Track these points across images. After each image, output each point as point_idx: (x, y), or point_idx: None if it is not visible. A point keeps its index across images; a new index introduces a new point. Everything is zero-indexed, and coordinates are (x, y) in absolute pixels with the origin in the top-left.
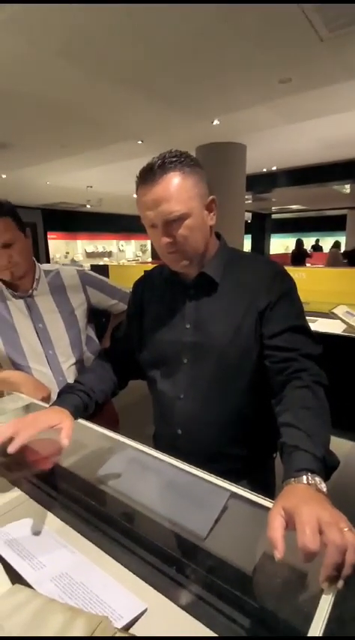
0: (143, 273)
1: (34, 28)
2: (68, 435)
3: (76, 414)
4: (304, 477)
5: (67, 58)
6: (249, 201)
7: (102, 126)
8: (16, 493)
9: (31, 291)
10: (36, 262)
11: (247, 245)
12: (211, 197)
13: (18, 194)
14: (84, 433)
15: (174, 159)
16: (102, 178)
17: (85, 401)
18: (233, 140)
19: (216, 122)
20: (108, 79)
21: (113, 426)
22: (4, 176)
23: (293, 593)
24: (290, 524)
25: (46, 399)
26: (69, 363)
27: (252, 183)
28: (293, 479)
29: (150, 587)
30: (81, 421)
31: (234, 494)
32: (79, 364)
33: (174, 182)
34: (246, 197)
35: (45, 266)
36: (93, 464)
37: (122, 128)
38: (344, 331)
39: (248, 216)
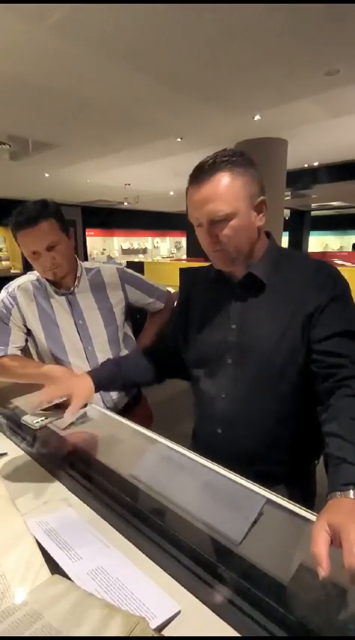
0: (179, 271)
1: (78, 28)
2: (71, 412)
3: (100, 385)
4: (351, 492)
5: (108, 57)
6: (288, 198)
7: (142, 124)
8: (54, 484)
9: (72, 289)
10: (78, 260)
11: (285, 242)
12: (261, 198)
13: (59, 192)
14: (121, 430)
15: (226, 158)
16: (140, 176)
17: (113, 374)
18: (274, 135)
19: (257, 117)
20: (149, 76)
21: (147, 422)
22: (47, 175)
23: (332, 609)
24: (334, 541)
25: None
26: (106, 358)
27: (292, 180)
28: (339, 492)
29: (184, 589)
30: (117, 417)
31: (270, 501)
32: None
33: (223, 182)
34: (285, 193)
35: (86, 264)
36: (130, 460)
37: (162, 126)
38: None
39: (286, 212)
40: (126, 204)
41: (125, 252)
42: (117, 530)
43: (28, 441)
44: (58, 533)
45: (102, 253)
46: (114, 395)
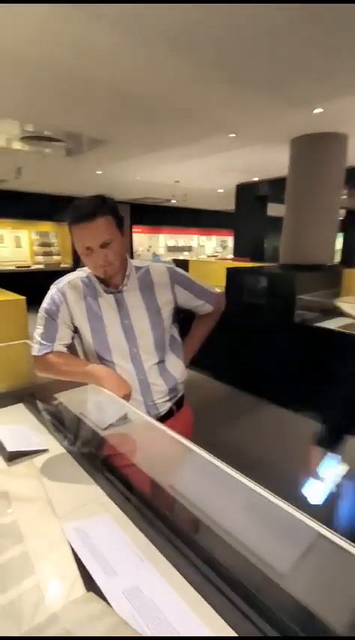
0: (226, 270)
1: (132, 23)
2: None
3: None
4: None
5: (161, 49)
6: (344, 197)
7: (194, 119)
8: (93, 487)
9: (121, 287)
10: (128, 258)
11: (338, 244)
12: None
13: (110, 189)
14: (162, 438)
15: None
16: (189, 173)
17: None
18: (333, 130)
19: (317, 110)
20: (205, 69)
21: (188, 428)
22: (99, 172)
23: None
24: None
25: (127, 397)
26: (151, 362)
27: (350, 177)
28: None
29: (220, 619)
30: (158, 425)
31: (322, 536)
32: (161, 364)
33: None
34: (343, 192)
35: (135, 262)
36: (169, 471)
37: (216, 121)
38: None
39: (341, 213)
40: (173, 201)
41: (170, 249)
42: (152, 543)
43: (69, 439)
44: (93, 541)
45: (148, 250)
46: (157, 399)
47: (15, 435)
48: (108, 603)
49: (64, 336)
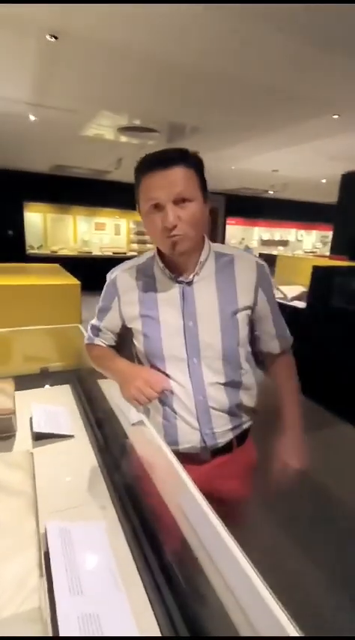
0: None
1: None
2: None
3: None
4: None
5: (251, 18)
6: None
7: (293, 100)
8: (101, 486)
9: (191, 276)
10: (207, 240)
11: None
12: None
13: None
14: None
15: None
16: (288, 161)
17: None
18: None
19: None
20: (299, 39)
21: (245, 472)
22: None
23: None
24: None
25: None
26: (215, 380)
27: None
28: None
29: None
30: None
31: None
32: (230, 385)
33: None
34: None
35: (218, 247)
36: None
37: (315, 101)
38: None
39: None
40: (271, 192)
41: (264, 243)
42: (138, 571)
43: (96, 428)
44: (74, 549)
45: (240, 243)
46: (217, 427)
47: (48, 416)
48: (57, 624)
49: (110, 330)
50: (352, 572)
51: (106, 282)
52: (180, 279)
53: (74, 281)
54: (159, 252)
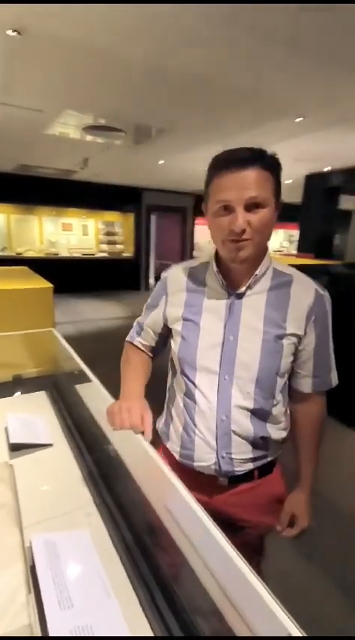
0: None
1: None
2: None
3: None
4: None
5: (217, 20)
6: None
7: (258, 102)
8: (84, 493)
9: (244, 289)
10: (268, 254)
11: None
12: None
13: (172, 180)
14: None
15: None
16: None
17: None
18: None
19: None
20: (263, 40)
21: (272, 501)
22: (161, 162)
23: None
24: None
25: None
26: (242, 404)
27: None
28: None
29: None
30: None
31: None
32: (258, 414)
33: None
34: None
35: (280, 265)
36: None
37: (280, 103)
38: None
39: None
40: None
41: None
42: (129, 577)
43: (75, 435)
44: (60, 561)
45: (209, 242)
46: (235, 453)
47: (24, 426)
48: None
49: (152, 329)
50: None
51: (159, 281)
52: (232, 289)
53: (46, 284)
54: (216, 257)
